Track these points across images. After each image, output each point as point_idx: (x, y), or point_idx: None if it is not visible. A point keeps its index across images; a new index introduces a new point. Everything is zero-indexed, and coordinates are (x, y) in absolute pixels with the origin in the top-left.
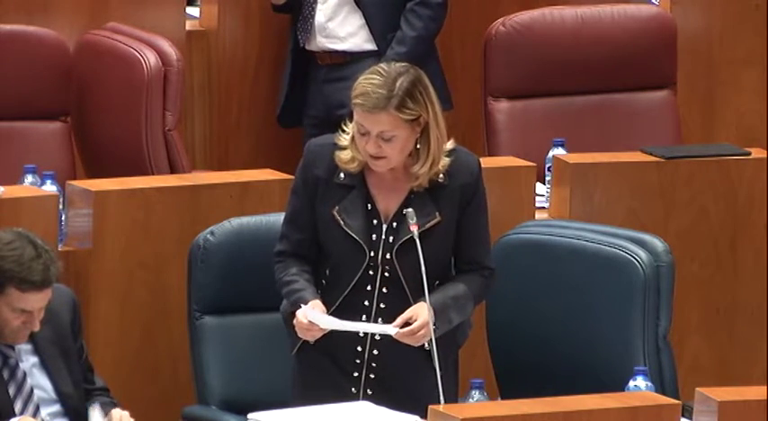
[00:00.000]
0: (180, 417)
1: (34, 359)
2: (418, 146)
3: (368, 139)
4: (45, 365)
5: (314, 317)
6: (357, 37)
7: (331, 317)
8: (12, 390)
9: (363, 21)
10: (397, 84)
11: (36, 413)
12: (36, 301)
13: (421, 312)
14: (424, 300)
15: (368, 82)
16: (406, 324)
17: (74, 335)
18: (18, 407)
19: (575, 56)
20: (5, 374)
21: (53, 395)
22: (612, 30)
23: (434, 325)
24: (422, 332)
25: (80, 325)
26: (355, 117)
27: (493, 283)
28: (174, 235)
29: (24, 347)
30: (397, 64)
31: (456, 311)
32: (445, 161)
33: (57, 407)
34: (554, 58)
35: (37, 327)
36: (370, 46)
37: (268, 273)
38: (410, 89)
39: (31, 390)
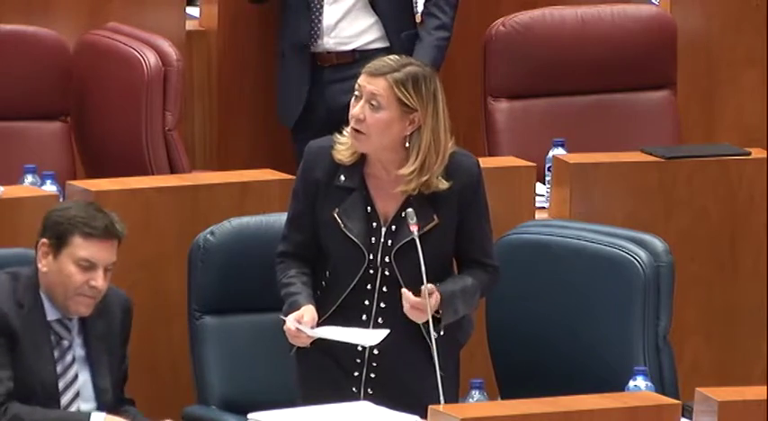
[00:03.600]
0: (180, 417)
1: (81, 352)
2: (407, 145)
3: (358, 103)
4: (89, 360)
5: (301, 326)
6: (367, 34)
7: (319, 328)
8: (59, 369)
9: (376, 18)
10: (408, 67)
11: (75, 398)
12: (99, 251)
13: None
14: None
15: (385, 57)
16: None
17: (122, 339)
18: (59, 387)
19: (575, 56)
20: (56, 354)
21: (90, 391)
22: (612, 30)
23: (439, 313)
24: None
25: (128, 332)
26: (357, 83)
27: (497, 280)
28: (174, 235)
29: (76, 339)
30: (420, 61)
31: (463, 302)
32: (441, 171)
33: (91, 404)
34: (554, 58)
35: (102, 286)
36: (382, 43)
37: (268, 274)
38: (416, 77)
39: (76, 376)
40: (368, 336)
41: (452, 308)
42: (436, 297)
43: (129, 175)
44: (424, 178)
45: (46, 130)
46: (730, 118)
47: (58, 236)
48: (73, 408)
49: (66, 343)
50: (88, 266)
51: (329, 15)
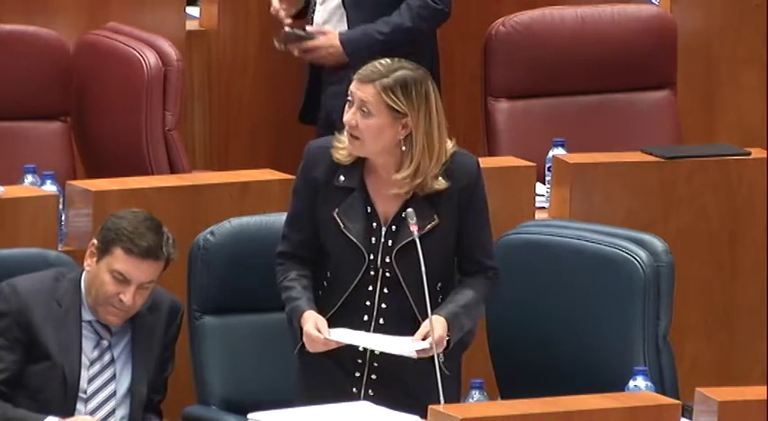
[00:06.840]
0: (180, 417)
1: (125, 352)
2: (403, 148)
3: (351, 109)
4: (132, 356)
5: (332, 336)
6: None
7: (348, 334)
8: (93, 371)
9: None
10: (397, 72)
11: (110, 398)
12: (135, 269)
13: (435, 326)
14: (436, 313)
15: (376, 61)
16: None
17: (165, 341)
18: (94, 386)
19: (575, 56)
20: (95, 353)
21: (126, 390)
22: (612, 30)
23: (448, 335)
24: (436, 345)
25: (173, 337)
26: (350, 88)
27: (498, 283)
28: (174, 235)
29: (121, 338)
30: (412, 63)
31: (467, 318)
32: (439, 172)
33: (125, 403)
34: (554, 58)
35: (129, 302)
36: None
37: (268, 273)
38: (405, 82)
39: (113, 376)
40: (400, 347)
41: (458, 326)
42: (443, 325)
43: (129, 175)
44: (418, 181)
45: (46, 130)
46: (730, 118)
47: (104, 242)
48: (107, 407)
49: (105, 343)
50: (122, 280)
51: (318, 15)
